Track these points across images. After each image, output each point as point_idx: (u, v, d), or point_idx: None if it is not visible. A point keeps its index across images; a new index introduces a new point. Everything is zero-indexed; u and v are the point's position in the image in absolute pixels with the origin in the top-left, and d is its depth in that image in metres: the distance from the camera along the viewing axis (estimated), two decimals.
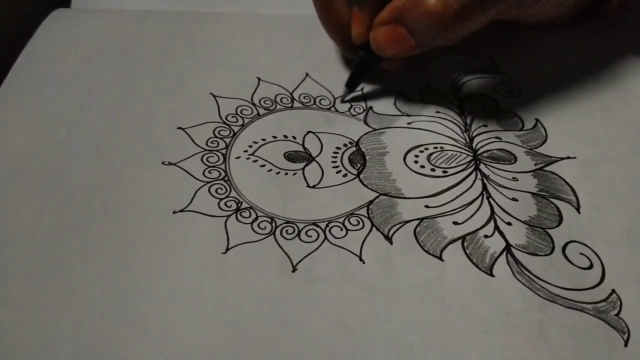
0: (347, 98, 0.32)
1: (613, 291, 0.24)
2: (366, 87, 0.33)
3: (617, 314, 0.23)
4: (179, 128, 0.30)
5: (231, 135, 0.30)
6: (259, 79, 0.33)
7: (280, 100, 0.32)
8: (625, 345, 0.22)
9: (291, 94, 0.32)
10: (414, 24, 0.27)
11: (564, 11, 0.33)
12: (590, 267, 0.25)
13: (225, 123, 0.30)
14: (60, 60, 0.33)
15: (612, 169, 0.29)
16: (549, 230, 0.26)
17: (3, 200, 0.26)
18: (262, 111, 0.31)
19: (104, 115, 0.30)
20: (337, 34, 0.31)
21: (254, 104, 0.31)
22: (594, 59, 0.35)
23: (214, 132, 0.30)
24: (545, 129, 0.31)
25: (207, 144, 0.29)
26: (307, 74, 0.33)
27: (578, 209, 0.27)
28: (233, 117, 0.31)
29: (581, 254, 0.25)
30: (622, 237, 0.26)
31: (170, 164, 0.28)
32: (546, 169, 0.29)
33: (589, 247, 0.25)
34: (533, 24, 0.34)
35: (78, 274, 0.24)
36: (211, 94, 0.32)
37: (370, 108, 0.32)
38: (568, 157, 0.29)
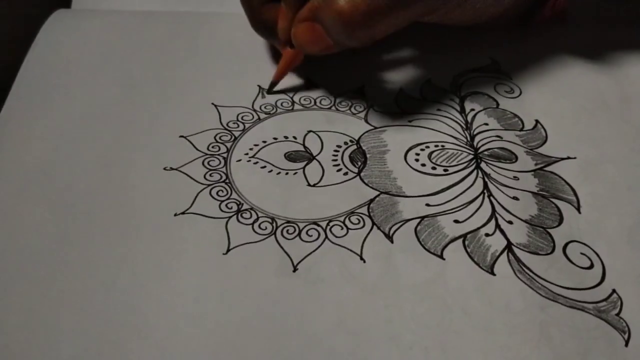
0: (274, 89, 0.33)
1: (614, 291, 0.24)
2: (367, 86, 0.33)
3: (618, 314, 0.23)
4: (180, 136, 0.30)
5: (232, 139, 0.30)
6: (259, 87, 0.33)
7: (281, 105, 0.32)
8: (626, 345, 0.22)
9: (292, 97, 0.32)
10: (327, 24, 0.27)
11: (486, 19, 0.33)
12: (591, 267, 0.25)
13: (226, 129, 0.30)
14: (63, 67, 0.33)
15: (612, 169, 0.29)
16: (549, 230, 0.26)
17: (6, 205, 0.26)
18: (262, 116, 0.31)
19: (106, 124, 0.30)
20: (264, 30, 0.32)
21: (254, 110, 0.31)
22: (594, 59, 0.35)
23: (215, 137, 0.30)
24: (545, 130, 0.31)
25: (208, 149, 0.29)
26: (307, 78, 0.33)
27: (578, 209, 0.27)
28: (234, 123, 0.31)
29: (582, 253, 0.25)
30: (623, 237, 0.26)
31: (172, 169, 0.28)
32: (546, 169, 0.29)
33: (589, 247, 0.25)
34: (454, 26, 0.34)
35: (80, 276, 0.24)
36: (212, 103, 0.32)
37: (371, 106, 0.32)
38: (568, 158, 0.29)
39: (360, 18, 0.26)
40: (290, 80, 0.33)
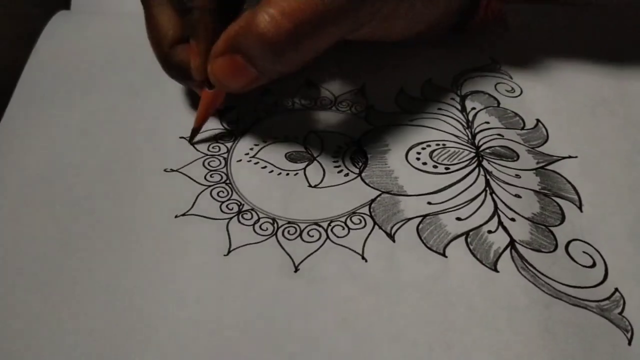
0: (197, 139, 0.30)
1: (616, 290, 0.24)
2: (367, 85, 0.33)
3: (621, 313, 0.23)
4: (181, 137, 0.30)
5: (233, 139, 0.30)
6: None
7: (282, 105, 0.32)
8: (629, 343, 0.22)
9: (292, 97, 0.32)
10: (250, 51, 0.24)
11: (413, 34, 0.32)
12: (593, 265, 0.25)
13: (226, 129, 0.30)
14: (65, 70, 0.33)
15: (614, 167, 0.29)
16: (551, 228, 0.26)
17: (8, 207, 0.26)
18: (263, 115, 0.31)
19: (108, 127, 0.30)
20: (178, 74, 0.29)
21: (255, 110, 0.31)
22: (594, 58, 0.35)
23: (215, 138, 0.30)
24: (546, 129, 0.31)
25: (208, 150, 0.29)
26: (307, 78, 0.33)
27: (580, 208, 0.27)
28: (234, 123, 0.31)
29: (584, 252, 0.25)
30: (625, 235, 0.26)
31: (172, 170, 0.28)
32: (548, 167, 0.29)
33: (591, 246, 0.25)
34: (384, 43, 0.33)
35: (82, 279, 0.24)
36: None
37: (372, 106, 0.32)
38: (569, 156, 0.29)
39: (285, 38, 0.23)
40: (290, 81, 0.33)
